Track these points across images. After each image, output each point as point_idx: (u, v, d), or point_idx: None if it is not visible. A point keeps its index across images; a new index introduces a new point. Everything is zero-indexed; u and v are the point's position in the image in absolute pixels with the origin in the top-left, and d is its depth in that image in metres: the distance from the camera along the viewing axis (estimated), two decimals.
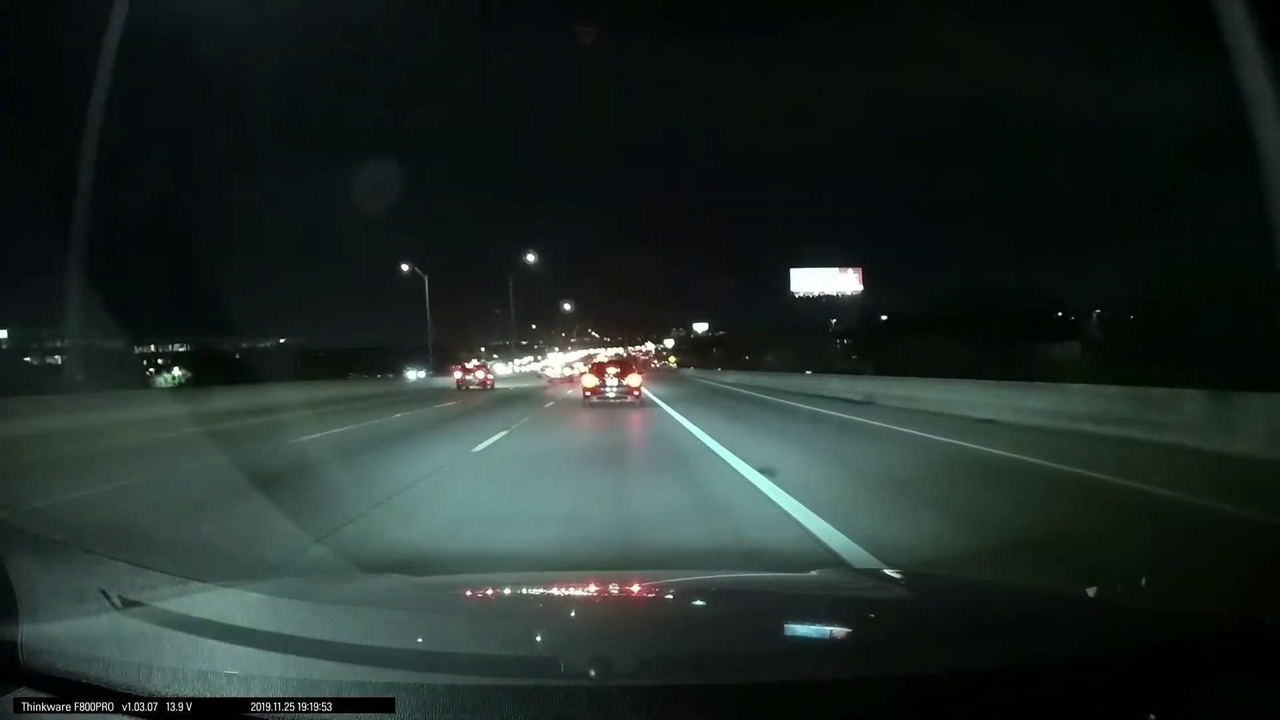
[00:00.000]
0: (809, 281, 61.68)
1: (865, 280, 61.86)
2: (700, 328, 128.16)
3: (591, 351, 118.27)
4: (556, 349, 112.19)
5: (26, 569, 1.33)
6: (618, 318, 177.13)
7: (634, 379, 17.45)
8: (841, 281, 61.93)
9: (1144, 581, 2.12)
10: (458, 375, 31.83)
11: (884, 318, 60.27)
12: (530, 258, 44.68)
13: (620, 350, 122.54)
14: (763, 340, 70.84)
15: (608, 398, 16.92)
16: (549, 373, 45.43)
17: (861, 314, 61.29)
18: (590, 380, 17.55)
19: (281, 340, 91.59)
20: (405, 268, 40.34)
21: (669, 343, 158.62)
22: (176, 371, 60.09)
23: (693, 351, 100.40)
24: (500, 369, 49.97)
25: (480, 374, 31.64)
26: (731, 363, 61.69)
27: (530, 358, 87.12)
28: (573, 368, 44.65)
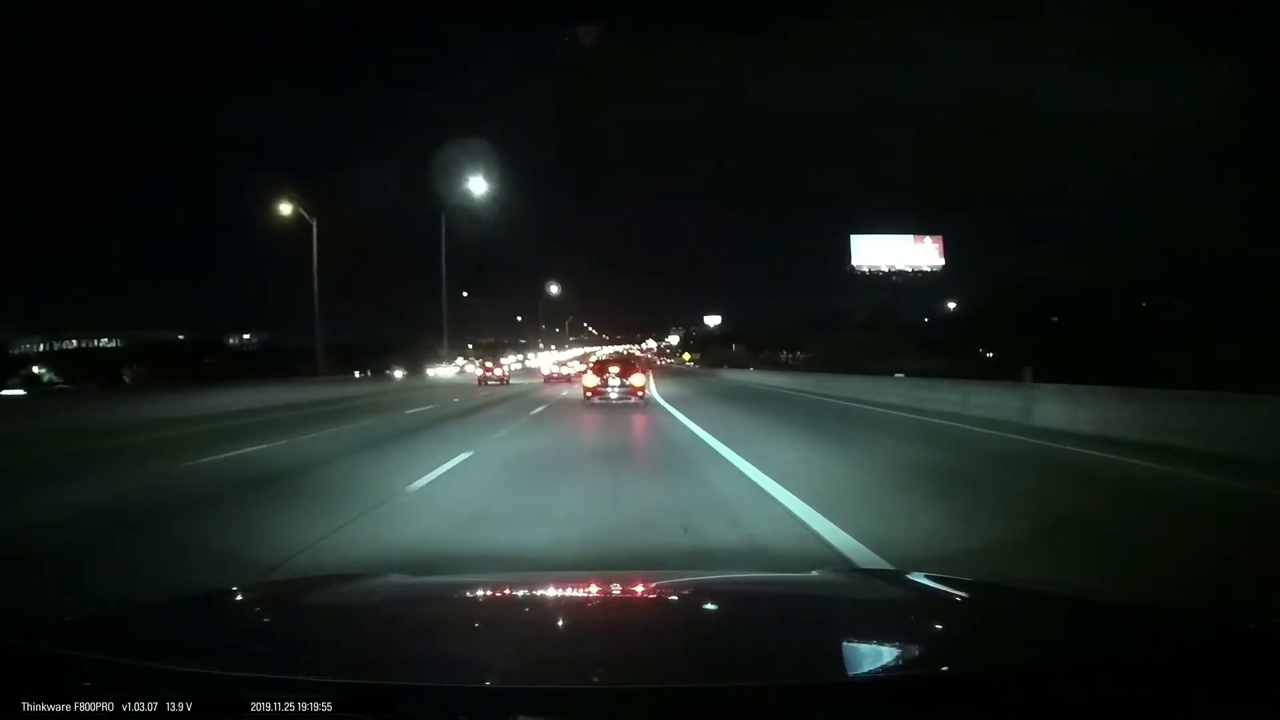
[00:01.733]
0: (874, 252, 46.93)
1: (947, 252, 46.89)
2: (712, 321, 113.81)
3: (589, 350, 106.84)
4: (553, 347, 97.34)
5: (27, 570, 1.45)
6: (616, 316, 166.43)
7: (638, 378, 15.99)
8: (917, 253, 47.15)
9: (1144, 581, 2.10)
10: (479, 373, 35.86)
11: (953, 303, 46.37)
12: (475, 187, 29.11)
13: (620, 349, 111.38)
14: (805, 332, 56.97)
15: (610, 398, 15.31)
16: (544, 371, 43.59)
17: (935, 294, 46.72)
18: (591, 380, 16.09)
19: (246, 336, 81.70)
20: (286, 209, 25.77)
21: (673, 339, 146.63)
22: (36, 371, 47.90)
23: (704, 348, 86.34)
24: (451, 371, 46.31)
25: (498, 371, 35.27)
26: (757, 360, 47.25)
27: (516, 356, 72.36)
28: (567, 366, 40.62)
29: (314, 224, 25.93)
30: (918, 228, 47.21)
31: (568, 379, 30.80)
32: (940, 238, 46.92)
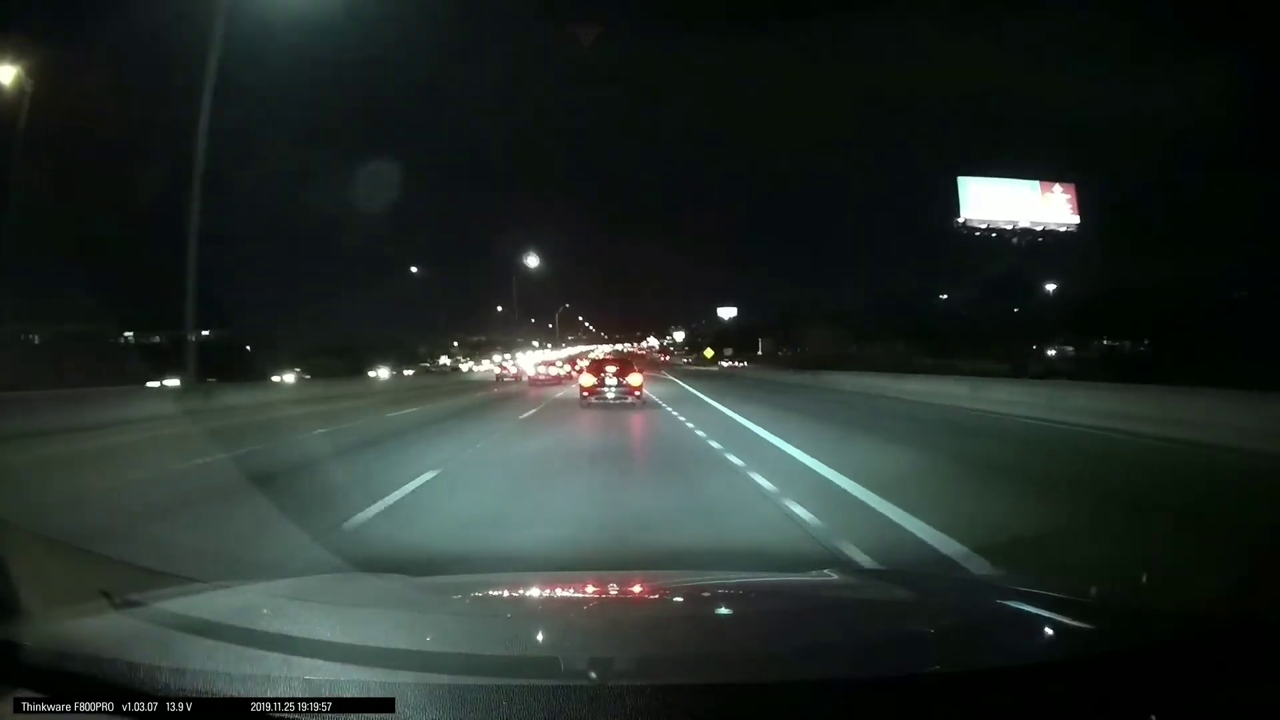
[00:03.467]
0: (992, 202, 34.00)
1: (1081, 208, 34.16)
2: (727, 313, 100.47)
3: (586, 349, 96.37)
4: (549, 345, 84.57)
5: (27, 568, 1.31)
6: (615, 311, 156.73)
7: (635, 378, 15.35)
8: (1044, 207, 34.24)
9: (1144, 580, 2.09)
10: (497, 371, 39.75)
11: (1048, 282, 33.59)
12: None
13: (619, 348, 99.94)
14: (878, 319, 44.14)
15: (607, 398, 14.85)
16: (529, 372, 38.22)
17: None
18: (588, 380, 15.74)
19: (206, 332, 72.54)
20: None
21: (678, 336, 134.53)
22: None
23: (719, 345, 73.12)
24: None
25: (514, 369, 38.27)
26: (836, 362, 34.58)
27: (500, 356, 59.57)
28: (555, 366, 35.06)
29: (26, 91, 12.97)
30: (1041, 172, 34.55)
31: (557, 380, 29.13)
32: (1073, 186, 34.32)
